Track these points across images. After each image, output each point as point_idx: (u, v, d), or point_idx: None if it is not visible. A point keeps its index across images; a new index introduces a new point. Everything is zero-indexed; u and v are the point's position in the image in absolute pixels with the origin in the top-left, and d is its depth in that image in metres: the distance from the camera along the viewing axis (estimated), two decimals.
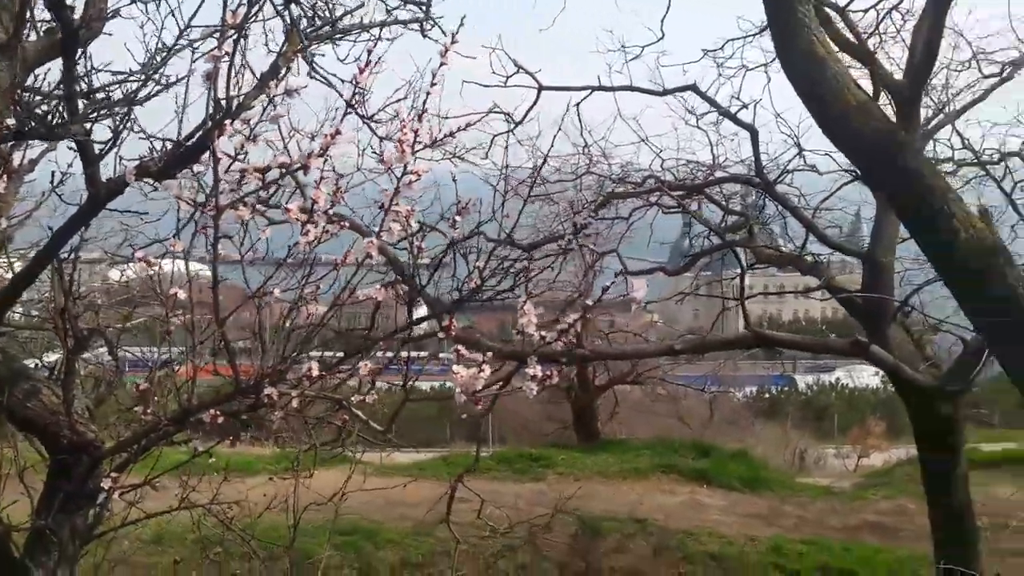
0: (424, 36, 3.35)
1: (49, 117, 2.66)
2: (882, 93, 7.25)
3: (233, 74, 2.15)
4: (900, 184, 3.96)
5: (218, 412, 2.67)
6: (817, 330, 36.63)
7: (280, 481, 5.02)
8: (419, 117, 2.49)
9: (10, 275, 3.27)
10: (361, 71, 2.28)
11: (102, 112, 2.61)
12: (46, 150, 4.00)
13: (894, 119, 7.23)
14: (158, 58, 2.79)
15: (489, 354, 2.44)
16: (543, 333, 2.49)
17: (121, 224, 5.82)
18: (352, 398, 2.69)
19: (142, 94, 2.75)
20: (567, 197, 10.82)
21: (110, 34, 2.91)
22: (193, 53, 2.32)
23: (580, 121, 8.41)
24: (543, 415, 19.72)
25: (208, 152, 2.35)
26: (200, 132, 2.31)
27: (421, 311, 4.46)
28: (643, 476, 13.06)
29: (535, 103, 7.37)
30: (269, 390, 2.64)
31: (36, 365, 4.45)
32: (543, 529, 10.52)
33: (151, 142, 2.33)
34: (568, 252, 9.87)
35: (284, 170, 2.24)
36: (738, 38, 8.90)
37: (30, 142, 3.38)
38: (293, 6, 2.73)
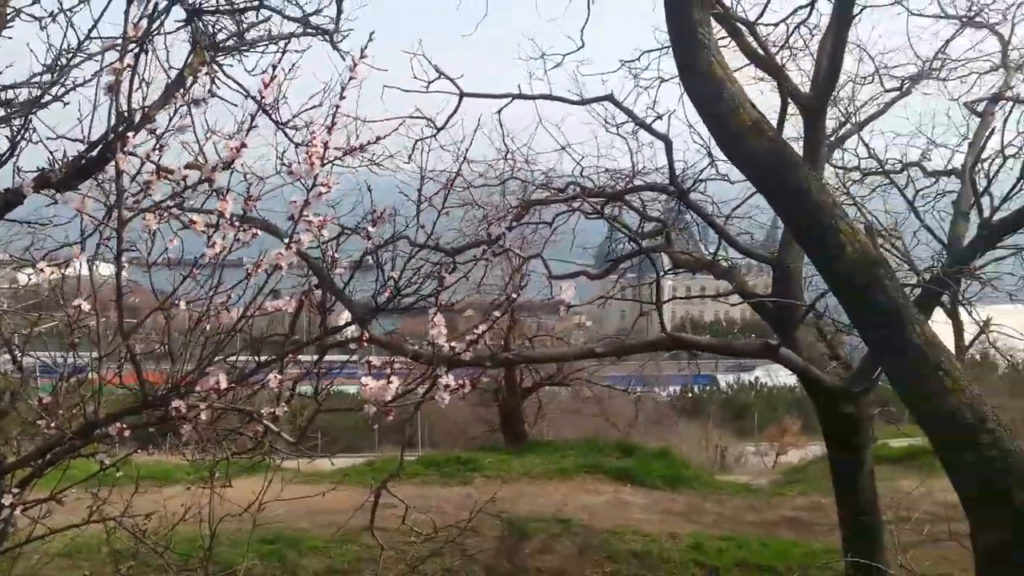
0: (334, 48, 3.36)
1: None
2: (790, 104, 7.54)
3: (136, 86, 2.14)
4: (790, 200, 4.16)
5: (125, 425, 2.63)
6: (733, 332, 37.68)
7: (198, 491, 4.94)
8: (328, 130, 2.51)
9: None
10: (266, 85, 2.29)
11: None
12: None
13: (802, 130, 7.59)
14: (61, 61, 2.74)
15: (398, 365, 2.47)
16: (453, 344, 2.54)
17: (27, 228, 5.63)
18: (263, 411, 2.68)
19: (43, 100, 2.70)
20: (493, 202, 10.93)
21: (10, 37, 2.85)
22: (99, 64, 2.29)
23: (501, 128, 8.52)
24: (473, 418, 19.79)
25: (112, 162, 2.33)
26: (102, 143, 2.28)
27: (345, 316, 4.47)
28: (568, 477, 13.23)
29: (456, 109, 7.42)
30: (177, 402, 2.62)
31: None
32: (469, 532, 10.57)
33: (50, 152, 2.29)
34: (496, 256, 9.96)
35: (184, 184, 2.23)
36: (654, 50, 9.15)
37: None
38: (197, 20, 2.71)
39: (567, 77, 30.98)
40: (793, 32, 9.00)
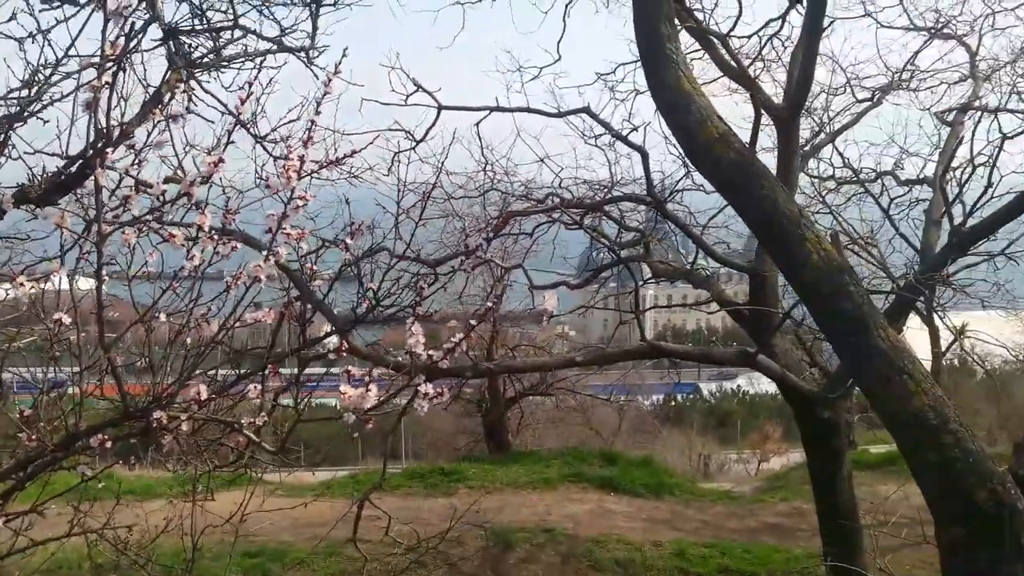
0: (310, 64, 3.43)
1: None
2: (764, 115, 7.68)
3: (114, 103, 2.19)
4: (757, 210, 4.26)
5: (106, 436, 2.66)
6: (712, 341, 38.07)
7: (180, 504, 4.94)
8: (305, 143, 2.57)
9: None
10: (243, 100, 2.35)
11: None
12: None
13: (776, 140, 7.73)
14: (38, 77, 2.78)
15: (377, 373, 2.52)
16: (431, 352, 2.59)
17: (4, 243, 5.64)
18: (243, 420, 2.73)
19: (22, 116, 2.74)
20: (473, 214, 11.00)
21: None
22: (78, 80, 2.34)
23: (480, 140, 8.61)
24: (457, 429, 19.80)
25: (90, 177, 2.37)
26: (81, 159, 2.32)
27: (326, 328, 4.49)
28: (552, 486, 13.25)
29: (435, 122, 7.50)
30: (159, 414, 2.65)
31: None
32: (453, 543, 10.58)
33: (29, 168, 2.33)
34: (476, 267, 10.03)
35: (164, 198, 2.28)
36: (630, 63, 9.29)
37: None
38: (174, 39, 2.76)
39: (544, 89, 31.19)
40: (766, 44, 9.18)
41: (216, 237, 2.53)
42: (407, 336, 2.61)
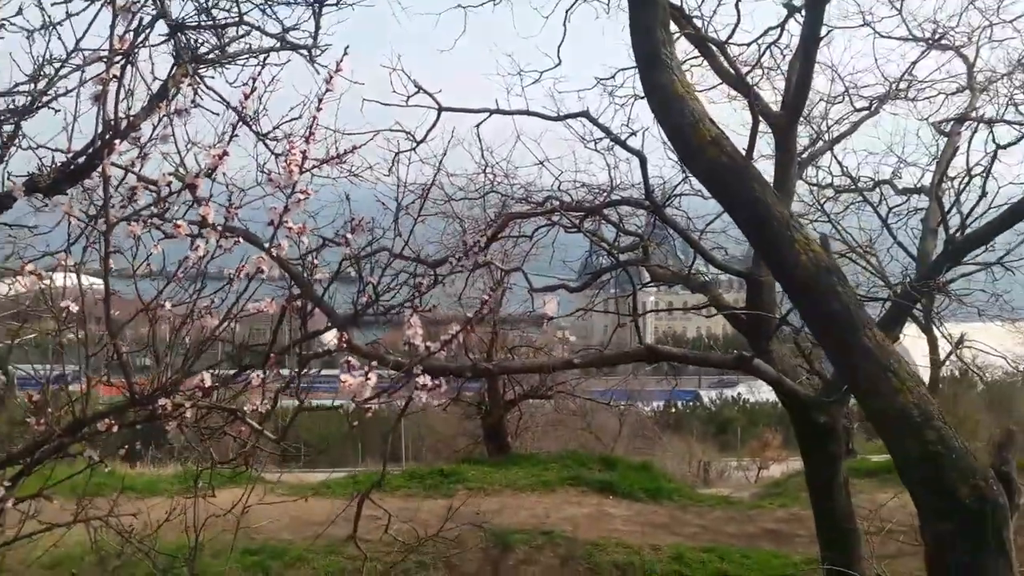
0: (312, 62, 3.51)
1: None
2: (761, 122, 7.76)
3: (122, 96, 2.27)
4: (748, 212, 4.35)
5: (112, 422, 2.73)
6: (710, 347, 38.19)
7: (182, 500, 5.02)
8: (306, 139, 2.65)
9: None
10: (246, 96, 2.43)
11: None
12: None
13: (773, 147, 7.81)
14: (47, 71, 2.86)
15: (375, 363, 2.59)
16: (428, 344, 2.66)
17: (9, 237, 5.72)
18: (246, 407, 2.80)
19: (33, 108, 2.82)
20: (474, 215, 11.09)
21: None
22: (82, 74, 2.42)
23: (480, 142, 8.70)
24: (458, 431, 19.85)
25: (98, 169, 2.46)
26: (90, 150, 2.41)
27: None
28: (551, 489, 13.30)
29: (435, 123, 7.59)
30: (163, 401, 2.73)
31: None
32: (452, 544, 10.63)
33: (39, 158, 2.42)
34: (477, 268, 10.11)
35: (169, 189, 2.36)
36: (629, 68, 9.38)
37: None
38: (179, 35, 2.85)
39: (545, 93, 31.41)
40: (765, 52, 9.27)
41: (219, 229, 2.60)
42: (406, 329, 2.68)
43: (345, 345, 3.25)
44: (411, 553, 9.42)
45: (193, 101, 2.69)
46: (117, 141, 2.31)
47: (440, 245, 10.61)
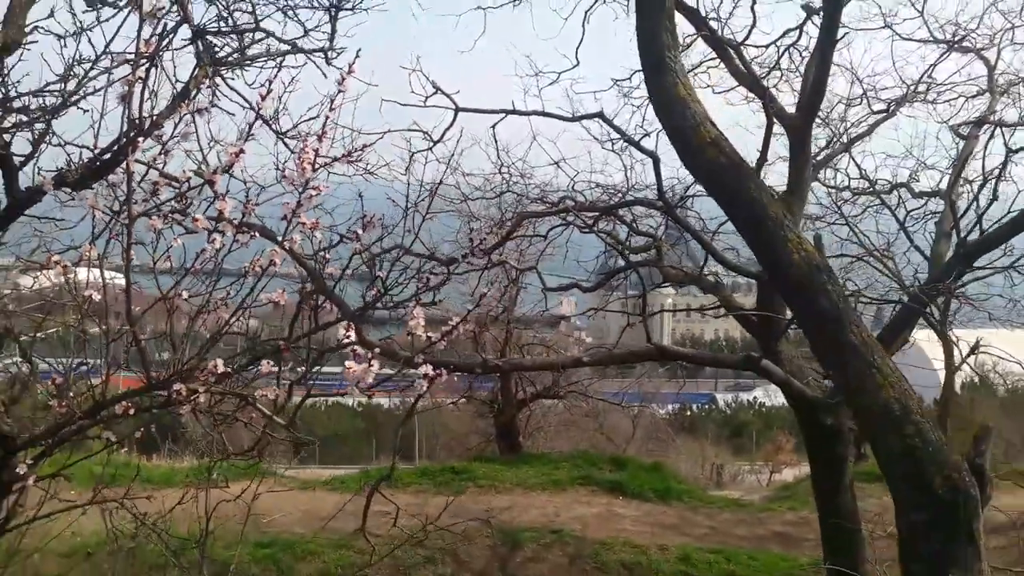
0: (328, 63, 3.63)
1: None
2: (775, 124, 7.81)
3: (146, 96, 2.40)
4: (744, 211, 4.45)
5: (130, 404, 2.87)
6: (722, 348, 38.13)
7: (197, 492, 5.15)
8: (319, 138, 2.77)
9: None
10: (263, 97, 2.55)
11: (22, 125, 2.82)
12: None
13: (788, 149, 7.86)
14: (77, 71, 3.00)
15: (377, 350, 2.70)
16: (430, 334, 2.78)
17: (35, 231, 5.90)
18: (256, 393, 2.92)
19: (64, 107, 2.96)
20: (490, 215, 11.20)
21: (28, 48, 3.11)
22: (109, 76, 2.55)
23: (496, 142, 8.81)
24: (471, 429, 19.98)
25: (123, 165, 2.58)
26: (115, 147, 2.53)
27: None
28: (562, 488, 13.38)
29: (452, 123, 7.69)
30: (178, 386, 2.86)
31: None
32: (461, 539, 10.75)
33: (67, 154, 2.55)
34: (491, 267, 10.20)
35: (188, 185, 2.48)
36: None
37: None
38: (201, 39, 2.98)
39: (562, 94, 31.48)
40: (784, 54, 9.31)
41: (236, 224, 2.72)
42: (409, 320, 2.80)
43: (355, 338, 3.36)
44: (417, 546, 9.54)
45: (211, 101, 2.83)
46: (141, 139, 2.44)
47: (455, 244, 10.72)
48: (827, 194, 11.93)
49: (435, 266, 6.34)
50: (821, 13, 7.05)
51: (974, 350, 14.85)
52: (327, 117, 2.70)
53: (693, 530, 12.35)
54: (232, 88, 3.62)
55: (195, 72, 2.72)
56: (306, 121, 4.00)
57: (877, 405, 4.08)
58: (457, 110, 7.69)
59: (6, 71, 2.94)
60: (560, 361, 7.58)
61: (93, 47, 2.68)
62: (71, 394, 2.92)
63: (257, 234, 3.03)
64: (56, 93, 2.76)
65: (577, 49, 8.95)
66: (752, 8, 8.56)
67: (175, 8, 2.79)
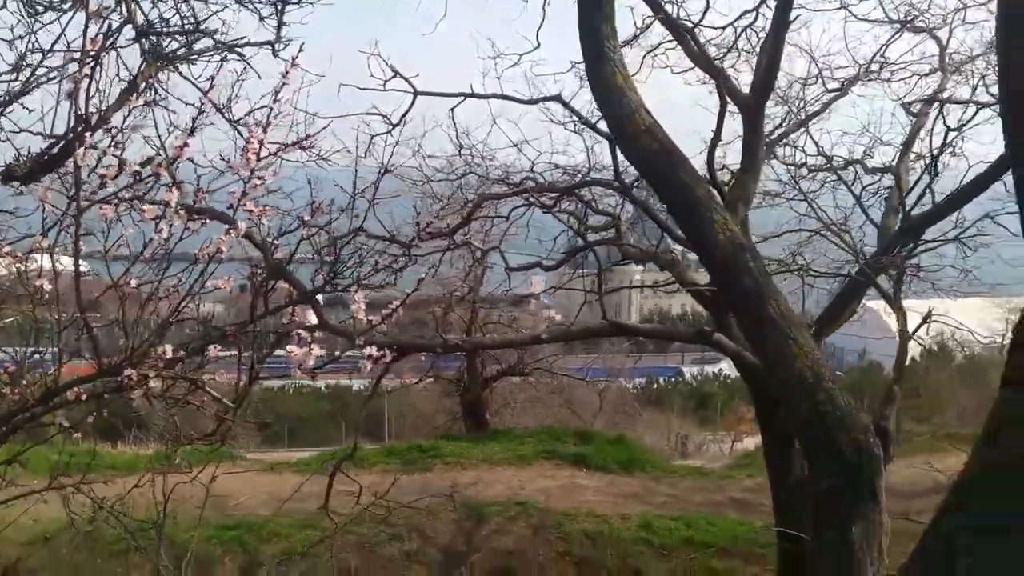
0: (275, 56, 3.70)
1: None
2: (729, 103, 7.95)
3: (92, 92, 2.46)
4: (675, 195, 4.62)
5: (81, 391, 2.94)
6: (684, 321, 38.67)
7: (154, 476, 5.21)
8: (264, 128, 2.85)
9: None
10: (205, 93, 2.62)
11: None
12: None
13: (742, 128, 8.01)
14: (25, 68, 3.04)
15: (318, 333, 2.81)
16: (371, 317, 2.89)
17: None
18: (204, 376, 3.01)
19: (8, 104, 3.00)
20: (457, 198, 11.26)
21: None
22: (60, 72, 2.61)
23: (455, 125, 8.87)
24: (438, 408, 20.13)
25: (71, 158, 2.65)
26: (63, 142, 2.60)
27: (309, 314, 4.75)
28: (527, 463, 13.61)
29: (411, 107, 7.74)
30: (129, 371, 2.94)
31: None
32: (427, 515, 10.94)
33: (16, 148, 2.60)
34: (455, 249, 10.29)
35: (140, 176, 2.55)
36: None
37: None
38: (144, 39, 3.04)
39: (523, 76, 31.34)
40: (741, 35, 9.44)
41: (183, 213, 2.80)
42: (351, 303, 2.90)
43: (315, 319, 3.45)
44: (382, 524, 9.68)
45: (157, 95, 2.89)
46: (88, 133, 2.50)
47: (415, 227, 10.78)
48: (786, 171, 12.15)
49: (395, 248, 6.43)
50: None
51: (925, 319, 15.25)
52: (270, 108, 2.77)
53: (654, 499, 12.66)
54: (185, 78, 3.67)
55: (141, 67, 2.78)
56: (259, 109, 4.06)
57: (792, 374, 4.32)
58: (416, 94, 7.73)
59: None
60: (520, 339, 7.73)
61: (41, 48, 2.73)
62: (24, 382, 2.99)
63: (208, 220, 3.11)
64: (2, 94, 2.81)
65: (538, 31, 8.99)
66: None
67: (120, 8, 2.84)
